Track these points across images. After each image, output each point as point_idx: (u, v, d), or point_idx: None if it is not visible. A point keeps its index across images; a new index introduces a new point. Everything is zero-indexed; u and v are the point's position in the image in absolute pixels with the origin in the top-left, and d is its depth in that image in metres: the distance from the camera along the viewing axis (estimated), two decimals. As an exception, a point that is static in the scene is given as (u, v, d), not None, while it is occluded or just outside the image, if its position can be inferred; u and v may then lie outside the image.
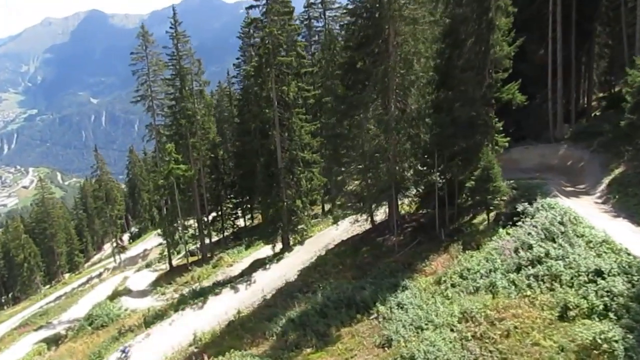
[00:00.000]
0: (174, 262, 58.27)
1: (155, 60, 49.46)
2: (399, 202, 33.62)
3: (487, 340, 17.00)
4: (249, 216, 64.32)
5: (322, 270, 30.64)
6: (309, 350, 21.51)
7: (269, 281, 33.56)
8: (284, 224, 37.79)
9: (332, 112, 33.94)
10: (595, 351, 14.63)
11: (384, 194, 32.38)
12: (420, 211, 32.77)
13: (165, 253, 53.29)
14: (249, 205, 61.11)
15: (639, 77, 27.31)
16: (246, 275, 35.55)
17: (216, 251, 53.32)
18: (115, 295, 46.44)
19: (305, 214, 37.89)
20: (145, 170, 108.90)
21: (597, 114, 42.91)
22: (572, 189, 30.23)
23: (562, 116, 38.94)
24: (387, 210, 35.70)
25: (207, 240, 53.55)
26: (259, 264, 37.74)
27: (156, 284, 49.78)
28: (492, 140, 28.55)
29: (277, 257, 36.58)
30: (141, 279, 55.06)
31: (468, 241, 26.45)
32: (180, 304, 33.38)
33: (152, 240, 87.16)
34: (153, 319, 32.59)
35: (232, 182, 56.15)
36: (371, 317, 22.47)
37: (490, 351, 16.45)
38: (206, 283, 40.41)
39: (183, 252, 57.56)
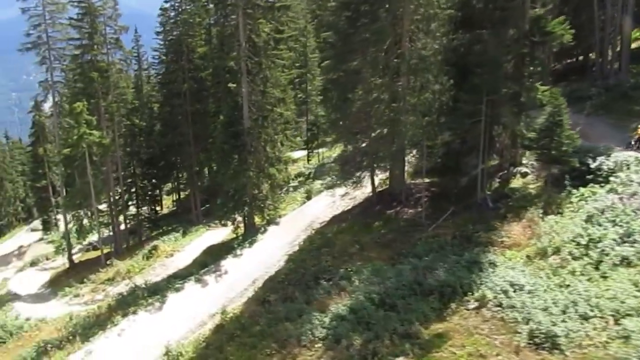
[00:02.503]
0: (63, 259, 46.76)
1: (54, -4, 38.06)
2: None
3: None
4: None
5: (333, 252, 23.32)
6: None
7: (247, 270, 25.61)
8: (249, 199, 29.60)
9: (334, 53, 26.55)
10: None
11: (398, 153, 26.10)
12: (423, 179, 26.92)
13: (63, 247, 41.71)
14: (174, 185, 51.17)
15: None
16: (211, 264, 26.92)
17: (132, 241, 43.09)
18: (2, 302, 34.53)
19: (281, 186, 30.12)
20: (11, 157, 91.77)
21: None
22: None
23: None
24: (383, 179, 29.47)
25: (114, 229, 42.78)
26: (221, 251, 29.35)
27: (55, 284, 38.40)
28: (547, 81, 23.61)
29: (247, 240, 28.39)
30: (29, 280, 42.74)
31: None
32: (124, 307, 23.96)
33: (24, 237, 72.13)
34: (85, 329, 22.93)
35: (150, 158, 45.76)
36: (471, 306, 15.93)
37: None
38: (140, 279, 30.86)
39: (83, 245, 46.37)
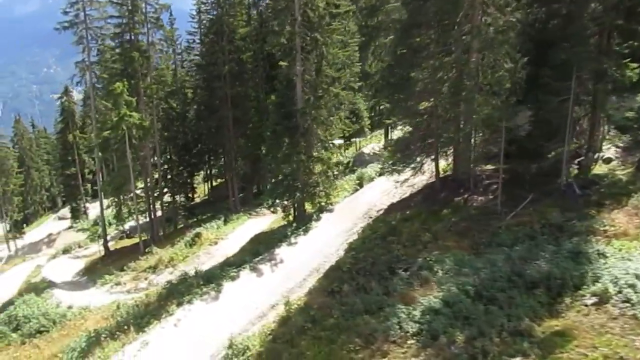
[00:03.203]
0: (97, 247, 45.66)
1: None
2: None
3: None
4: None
5: (401, 241, 21.52)
6: (520, 360, 12.48)
7: (303, 259, 23.99)
8: (301, 184, 27.87)
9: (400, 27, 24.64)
10: None
11: (465, 135, 24.26)
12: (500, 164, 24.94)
13: (99, 234, 40.40)
14: (206, 172, 49.68)
15: None
16: (265, 253, 25.28)
17: (168, 229, 41.73)
18: (35, 289, 33.24)
19: (335, 171, 28.40)
20: (37, 144, 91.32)
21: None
22: None
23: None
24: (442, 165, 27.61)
25: (151, 216, 41.32)
26: (272, 239, 27.70)
27: (91, 272, 37.23)
28: None
29: (301, 228, 26.69)
30: (62, 267, 41.71)
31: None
32: (176, 295, 22.41)
33: (52, 225, 71.61)
34: (137, 318, 21.39)
35: (185, 143, 44.22)
36: (589, 302, 14.01)
37: None
38: (184, 267, 29.43)
39: (116, 233, 45.17)
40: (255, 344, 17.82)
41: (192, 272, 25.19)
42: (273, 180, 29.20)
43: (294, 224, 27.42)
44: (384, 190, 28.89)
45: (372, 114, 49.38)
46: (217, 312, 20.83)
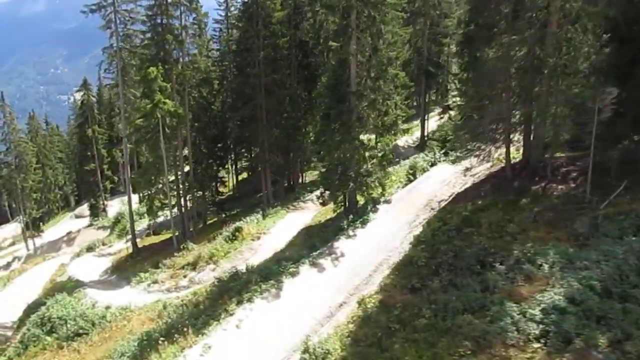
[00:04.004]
0: (120, 244, 43.85)
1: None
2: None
3: None
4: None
5: (482, 233, 19.43)
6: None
7: (364, 253, 21.96)
8: (354, 173, 25.78)
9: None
10: None
11: (541, 119, 22.14)
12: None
13: (127, 230, 38.42)
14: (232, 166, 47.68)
15: None
16: (321, 247, 23.22)
17: (197, 225, 39.72)
18: (63, 289, 31.23)
19: (389, 160, 26.34)
20: (50, 142, 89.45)
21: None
22: None
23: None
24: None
25: (182, 211, 39.24)
26: (324, 232, 25.71)
27: (120, 270, 35.28)
28: None
29: (358, 220, 24.61)
30: (88, 266, 39.72)
31: None
32: (229, 293, 20.35)
33: (70, 223, 69.81)
34: (191, 318, 19.34)
35: (216, 135, 42.19)
36: None
37: None
38: (227, 263, 27.43)
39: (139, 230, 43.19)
40: (336, 347, 15.79)
41: (242, 268, 23.14)
42: (323, 170, 27.07)
43: (350, 216, 25.27)
44: (442, 180, 26.80)
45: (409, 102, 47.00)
46: (280, 311, 18.77)
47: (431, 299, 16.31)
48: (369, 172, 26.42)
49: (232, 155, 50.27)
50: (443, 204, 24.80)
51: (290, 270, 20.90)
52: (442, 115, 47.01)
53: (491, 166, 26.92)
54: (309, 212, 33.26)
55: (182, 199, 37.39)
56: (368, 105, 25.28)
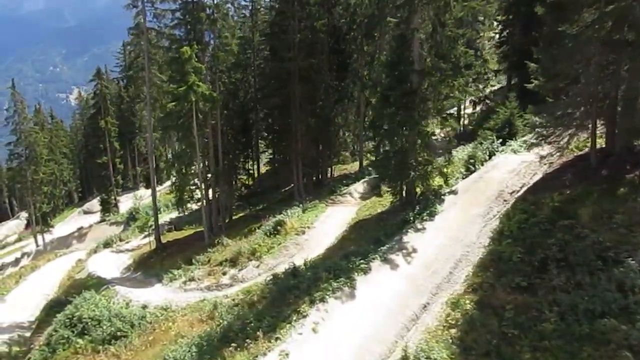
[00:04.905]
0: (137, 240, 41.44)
1: None
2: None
3: None
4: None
5: (585, 226, 17.04)
6: None
7: (436, 248, 19.54)
8: (414, 161, 23.39)
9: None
10: None
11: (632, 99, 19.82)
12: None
13: (150, 224, 35.96)
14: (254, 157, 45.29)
15: None
16: (387, 241, 20.80)
17: (225, 219, 37.26)
18: (84, 286, 28.59)
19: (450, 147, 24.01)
20: (56, 136, 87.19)
21: None
22: None
23: None
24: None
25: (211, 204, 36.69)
26: (382, 225, 23.31)
27: (145, 267, 32.94)
28: None
29: (426, 211, 22.19)
30: (107, 262, 37.27)
31: None
32: (294, 292, 17.92)
33: (79, 219, 67.35)
34: (255, 320, 16.85)
35: (244, 123, 39.71)
36: None
37: None
38: (271, 260, 25.01)
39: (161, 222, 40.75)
40: (443, 355, 13.35)
41: (300, 264, 20.76)
42: (381, 157, 24.69)
43: (416, 208, 22.85)
44: (511, 170, 24.40)
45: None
46: (357, 313, 16.40)
47: (550, 300, 13.92)
48: (429, 160, 24.07)
49: (254, 147, 47.86)
50: (516, 195, 22.46)
51: (361, 266, 18.49)
52: (478, 106, 44.75)
53: (561, 155, 24.61)
54: (350, 206, 30.87)
55: (212, 191, 34.90)
56: (433, 86, 22.92)
